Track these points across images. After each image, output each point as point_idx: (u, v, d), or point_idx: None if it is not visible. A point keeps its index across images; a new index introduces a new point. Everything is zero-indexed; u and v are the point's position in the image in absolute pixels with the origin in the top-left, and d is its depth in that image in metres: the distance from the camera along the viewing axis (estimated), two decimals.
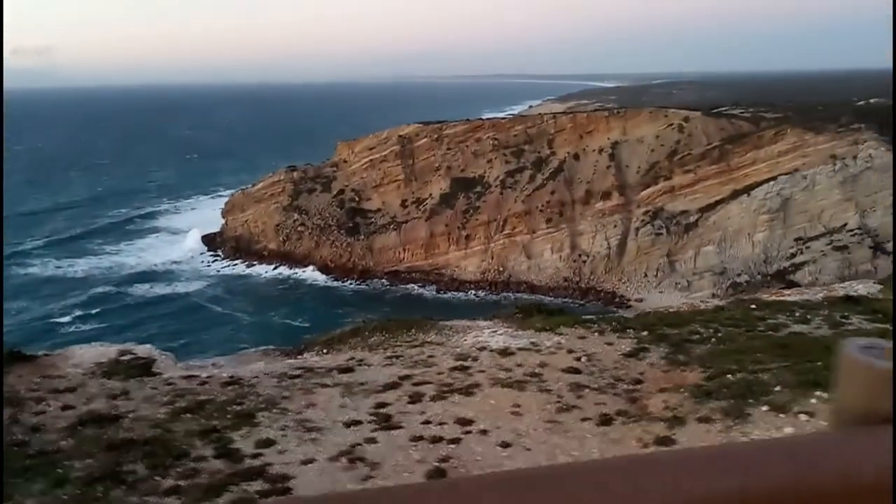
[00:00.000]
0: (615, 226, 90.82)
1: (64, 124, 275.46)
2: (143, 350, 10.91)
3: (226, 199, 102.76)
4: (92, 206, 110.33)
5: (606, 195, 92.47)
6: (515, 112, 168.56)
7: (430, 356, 10.25)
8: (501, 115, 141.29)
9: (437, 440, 7.29)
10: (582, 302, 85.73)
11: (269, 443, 7.44)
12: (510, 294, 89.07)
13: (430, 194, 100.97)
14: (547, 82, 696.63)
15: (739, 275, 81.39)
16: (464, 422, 7.73)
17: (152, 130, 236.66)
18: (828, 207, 79.45)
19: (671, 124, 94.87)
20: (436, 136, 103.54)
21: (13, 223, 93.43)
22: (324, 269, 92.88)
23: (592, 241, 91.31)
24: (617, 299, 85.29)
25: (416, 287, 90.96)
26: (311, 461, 7.00)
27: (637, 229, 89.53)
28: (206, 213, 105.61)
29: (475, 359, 9.97)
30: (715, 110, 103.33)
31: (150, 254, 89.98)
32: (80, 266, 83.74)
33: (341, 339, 11.87)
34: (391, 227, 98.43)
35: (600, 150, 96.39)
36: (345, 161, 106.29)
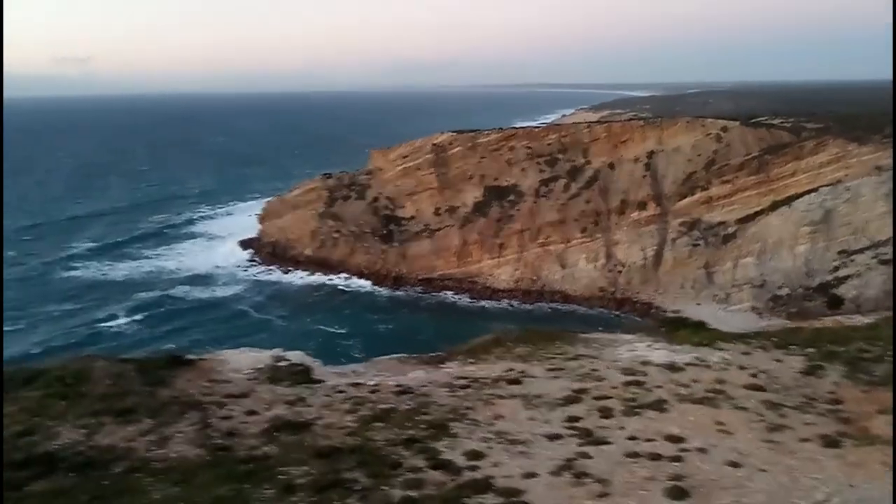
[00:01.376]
0: (651, 236, 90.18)
1: (104, 132, 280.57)
2: (296, 356, 11.02)
3: (262, 206, 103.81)
4: (132, 211, 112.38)
5: (642, 205, 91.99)
6: (548, 121, 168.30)
7: (594, 370, 10.24)
8: (534, 124, 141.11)
9: (655, 457, 7.25)
10: (617, 313, 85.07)
11: (478, 455, 7.45)
12: (544, 304, 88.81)
13: (464, 202, 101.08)
14: (579, 91, 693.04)
15: (780, 287, 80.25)
16: (673, 438, 7.70)
17: (188, 138, 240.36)
18: (872, 220, 78.04)
19: (709, 134, 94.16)
20: (469, 144, 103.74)
21: (57, 228, 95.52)
22: (358, 275, 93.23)
23: (628, 251, 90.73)
24: (653, 311, 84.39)
25: (449, 295, 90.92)
26: (532, 475, 7.00)
27: (674, 240, 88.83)
28: (242, 219, 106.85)
29: (644, 374, 9.94)
30: (753, 120, 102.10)
31: (189, 259, 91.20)
32: (122, 270, 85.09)
33: (485, 349, 11.87)
34: (424, 234, 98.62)
35: (636, 160, 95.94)
36: (379, 169, 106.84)
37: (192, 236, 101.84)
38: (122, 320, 67.64)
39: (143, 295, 76.67)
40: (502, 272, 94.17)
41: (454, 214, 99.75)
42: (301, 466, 7.21)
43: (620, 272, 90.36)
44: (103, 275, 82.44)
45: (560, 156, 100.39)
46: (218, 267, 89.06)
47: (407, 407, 8.77)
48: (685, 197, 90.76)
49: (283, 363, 10.49)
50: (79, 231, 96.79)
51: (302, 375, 10.03)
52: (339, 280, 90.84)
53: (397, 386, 9.64)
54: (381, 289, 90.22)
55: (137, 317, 68.93)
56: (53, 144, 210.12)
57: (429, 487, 6.75)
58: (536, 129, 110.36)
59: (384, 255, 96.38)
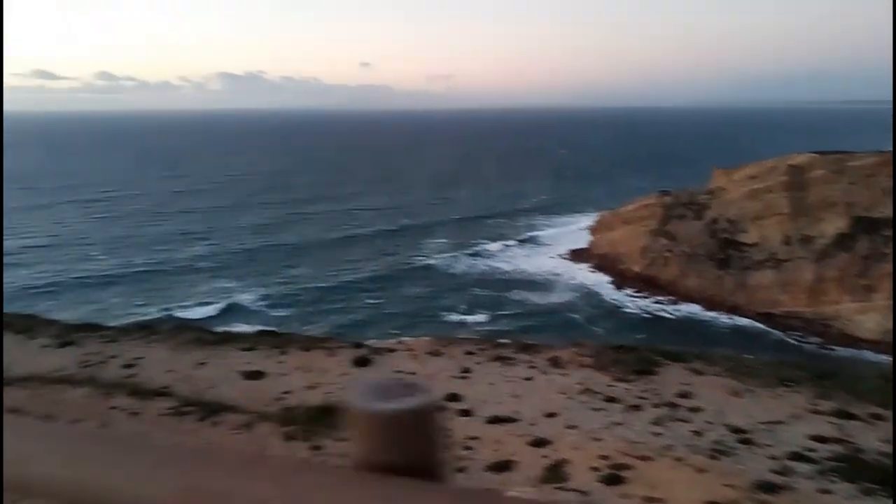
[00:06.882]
0: None
1: (458, 142, 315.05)
2: None
3: (594, 218, 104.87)
4: (476, 216, 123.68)
5: None
6: None
7: None
8: None
9: None
10: None
11: None
12: None
13: (822, 233, 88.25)
14: None
15: None
16: None
17: (533, 150, 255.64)
18: None
19: None
20: (836, 167, 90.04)
21: (415, 230, 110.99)
22: (687, 299, 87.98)
23: None
24: None
25: (794, 335, 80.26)
26: None
27: None
28: (574, 230, 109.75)
29: None
30: None
31: (523, 263, 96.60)
32: (462, 268, 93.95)
33: None
34: (769, 264, 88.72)
35: None
36: (722, 189, 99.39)
37: (526, 242, 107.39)
38: (466, 315, 74.49)
39: (479, 291, 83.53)
40: (867, 319, 79.90)
41: (808, 246, 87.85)
42: None
43: None
44: (446, 270, 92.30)
45: None
46: (550, 273, 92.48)
47: None
48: None
49: None
50: (429, 232, 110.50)
51: None
52: (667, 301, 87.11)
53: None
54: (717, 316, 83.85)
55: (481, 312, 75.32)
56: (420, 155, 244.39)
57: None
58: None
59: (719, 281, 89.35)
